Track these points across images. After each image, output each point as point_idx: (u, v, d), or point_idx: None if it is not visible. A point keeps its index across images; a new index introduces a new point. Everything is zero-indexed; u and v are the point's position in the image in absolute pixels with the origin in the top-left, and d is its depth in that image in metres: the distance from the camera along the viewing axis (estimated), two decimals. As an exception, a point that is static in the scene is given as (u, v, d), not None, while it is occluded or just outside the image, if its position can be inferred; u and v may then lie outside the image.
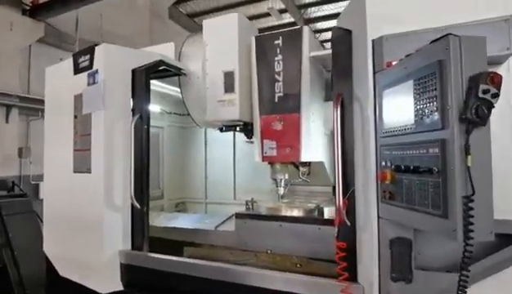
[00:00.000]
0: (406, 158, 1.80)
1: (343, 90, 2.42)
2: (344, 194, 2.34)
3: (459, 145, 1.49)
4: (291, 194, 4.33)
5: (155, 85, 4.52)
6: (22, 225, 4.18)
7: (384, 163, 1.99)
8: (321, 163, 3.69)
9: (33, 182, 8.85)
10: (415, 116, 1.72)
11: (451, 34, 1.53)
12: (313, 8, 12.06)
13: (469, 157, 1.46)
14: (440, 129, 1.57)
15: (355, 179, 2.35)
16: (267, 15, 12.18)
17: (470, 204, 1.46)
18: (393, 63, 1.96)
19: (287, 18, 12.25)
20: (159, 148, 5.07)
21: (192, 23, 12.18)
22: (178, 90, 4.15)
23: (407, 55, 1.84)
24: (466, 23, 1.94)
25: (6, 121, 8.66)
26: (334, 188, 4.36)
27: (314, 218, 3.22)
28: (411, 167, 1.73)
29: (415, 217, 1.74)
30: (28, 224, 4.14)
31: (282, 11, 11.93)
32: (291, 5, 11.29)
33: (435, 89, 1.59)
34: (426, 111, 1.64)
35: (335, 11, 11.82)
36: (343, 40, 2.45)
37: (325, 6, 12.02)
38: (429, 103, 1.62)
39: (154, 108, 4.91)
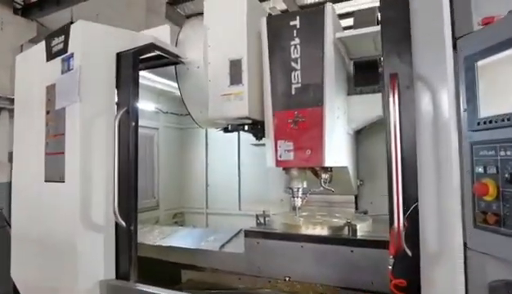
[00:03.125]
0: (533, 161, 1.09)
1: (398, 69, 1.70)
2: (403, 212, 1.62)
3: None
4: (304, 205, 3.61)
5: (149, 79, 3.82)
6: (-12, 244, 3.43)
7: (480, 170, 1.27)
8: (342, 169, 2.99)
9: (23, 189, 8.07)
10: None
11: None
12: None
13: None
14: None
15: (418, 190, 1.63)
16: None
17: None
18: (497, 18, 1.25)
19: (288, 20, 11.53)
20: (154, 151, 4.32)
21: (191, 25, 11.44)
22: (175, 86, 3.43)
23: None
24: None
25: (-4, 124, 7.94)
26: (356, 197, 3.72)
27: (345, 238, 2.49)
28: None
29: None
30: (-4, 242, 3.38)
31: (284, 12, 11.25)
32: (293, 5, 10.60)
33: None
34: None
35: (339, 12, 11.15)
36: (396, 1, 1.74)
37: (327, 8, 11.32)
38: None
39: (148, 106, 4.19)
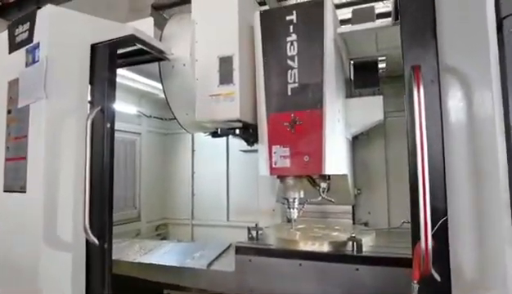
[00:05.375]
0: None
1: (420, 61, 1.44)
2: (430, 228, 1.33)
3: None
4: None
5: (131, 79, 3.48)
6: None
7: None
8: (340, 177, 2.72)
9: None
10: None
11: None
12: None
13: None
14: None
15: (447, 203, 1.36)
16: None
17: None
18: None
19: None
20: (136, 158, 3.95)
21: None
22: (160, 87, 3.09)
23: None
24: None
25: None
26: (353, 207, 3.45)
27: (349, 255, 2.19)
28: None
29: None
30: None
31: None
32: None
33: None
34: None
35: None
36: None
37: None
38: None
39: (129, 109, 3.84)
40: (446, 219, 1.35)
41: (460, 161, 1.31)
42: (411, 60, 1.46)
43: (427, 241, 1.29)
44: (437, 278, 1.33)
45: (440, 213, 1.36)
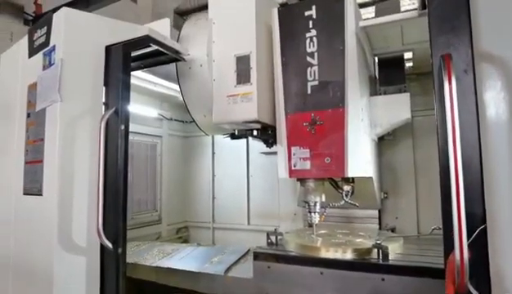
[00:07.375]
0: None
1: (452, 48, 1.28)
2: (466, 237, 1.17)
3: None
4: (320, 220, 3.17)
5: (151, 82, 3.46)
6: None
7: None
8: (365, 180, 2.55)
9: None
10: None
11: None
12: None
13: None
14: None
15: (486, 209, 1.19)
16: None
17: None
18: None
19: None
20: (157, 161, 3.93)
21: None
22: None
23: None
24: None
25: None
26: (379, 212, 3.26)
27: (375, 263, 2.02)
28: None
29: None
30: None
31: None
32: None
33: None
34: None
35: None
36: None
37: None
38: None
39: (150, 112, 3.82)
40: (485, 227, 1.18)
41: (500, 161, 1.14)
42: (441, 48, 1.30)
43: (462, 252, 1.13)
44: (475, 294, 1.16)
45: (477, 220, 1.20)
